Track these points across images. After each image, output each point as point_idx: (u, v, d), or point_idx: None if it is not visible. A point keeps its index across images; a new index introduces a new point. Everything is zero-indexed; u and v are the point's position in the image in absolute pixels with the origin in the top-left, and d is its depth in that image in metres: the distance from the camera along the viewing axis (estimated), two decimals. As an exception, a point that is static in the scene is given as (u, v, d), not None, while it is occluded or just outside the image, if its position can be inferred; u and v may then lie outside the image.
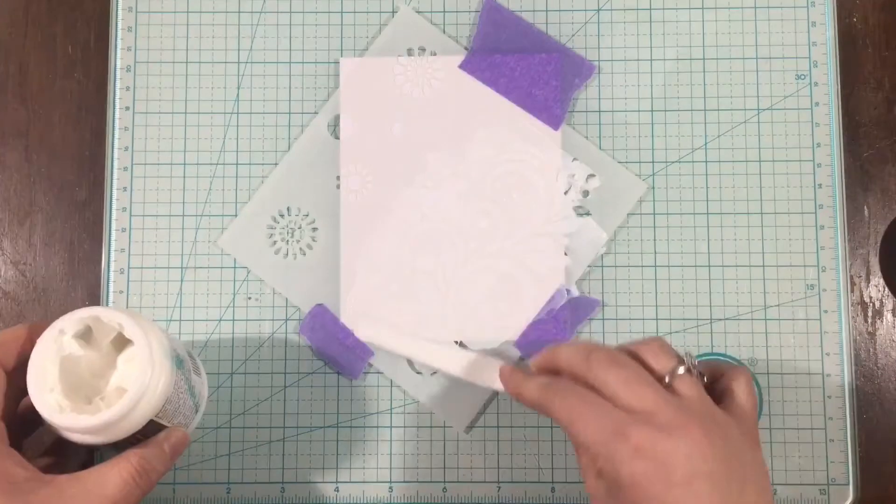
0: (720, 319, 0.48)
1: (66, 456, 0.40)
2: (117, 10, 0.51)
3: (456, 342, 0.48)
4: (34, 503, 0.34)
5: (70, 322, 0.37)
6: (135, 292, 0.49)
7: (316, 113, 0.50)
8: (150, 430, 0.38)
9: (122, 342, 0.38)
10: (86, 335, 0.38)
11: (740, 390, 0.38)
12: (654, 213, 0.49)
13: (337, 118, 0.50)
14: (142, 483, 0.36)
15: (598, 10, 0.51)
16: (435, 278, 0.48)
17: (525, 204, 0.49)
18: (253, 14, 0.51)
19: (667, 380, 0.36)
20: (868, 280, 0.49)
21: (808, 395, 0.48)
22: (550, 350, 0.39)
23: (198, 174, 0.50)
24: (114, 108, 0.50)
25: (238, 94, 0.50)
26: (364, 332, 0.48)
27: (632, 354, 0.37)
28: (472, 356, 0.46)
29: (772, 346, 0.48)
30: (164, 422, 0.38)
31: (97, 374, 0.38)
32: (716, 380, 0.38)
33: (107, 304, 0.49)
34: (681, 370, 0.36)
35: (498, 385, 0.42)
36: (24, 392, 0.36)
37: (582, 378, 0.37)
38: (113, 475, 0.35)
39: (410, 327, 0.48)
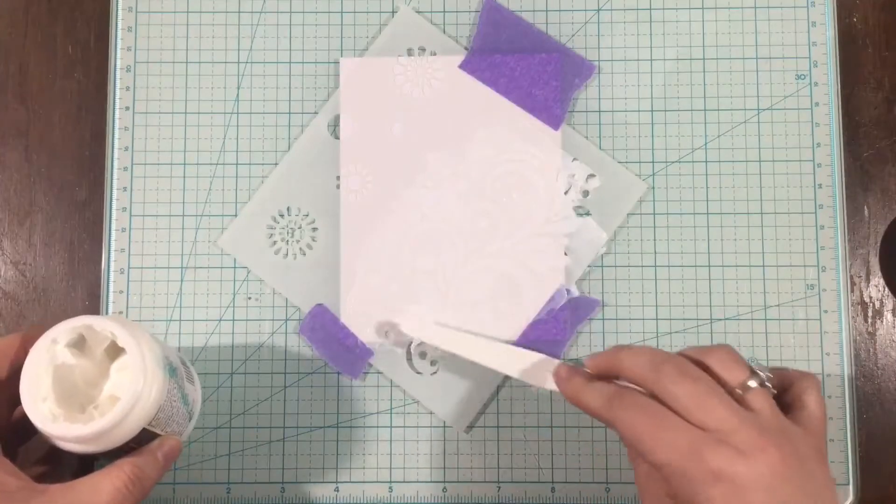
0: (720, 319, 0.48)
1: (59, 465, 0.40)
2: (117, 10, 0.51)
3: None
4: None
5: (63, 331, 0.37)
6: (135, 292, 0.49)
7: (316, 113, 0.50)
8: (144, 439, 0.38)
9: (115, 351, 0.38)
10: (79, 344, 0.38)
11: (811, 401, 0.36)
12: (654, 213, 0.49)
13: (337, 118, 0.50)
14: (135, 491, 0.36)
15: (598, 10, 0.51)
16: (435, 278, 0.48)
17: (525, 204, 0.49)
18: (253, 14, 0.51)
19: (739, 393, 0.35)
20: (868, 280, 0.49)
21: (808, 395, 0.48)
22: (612, 353, 0.38)
23: (198, 174, 0.50)
24: (114, 108, 0.50)
25: (238, 94, 0.50)
26: (407, 325, 0.48)
27: (698, 364, 0.36)
28: (522, 353, 0.45)
29: (772, 346, 0.48)
30: (157, 430, 0.39)
31: (91, 383, 0.38)
32: (785, 389, 0.37)
33: (107, 304, 0.49)
34: (752, 383, 0.35)
35: (550, 385, 0.41)
36: (18, 401, 0.36)
37: (648, 389, 0.36)
38: (106, 484, 0.35)
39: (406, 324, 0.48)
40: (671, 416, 0.34)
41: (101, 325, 0.37)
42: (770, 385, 0.36)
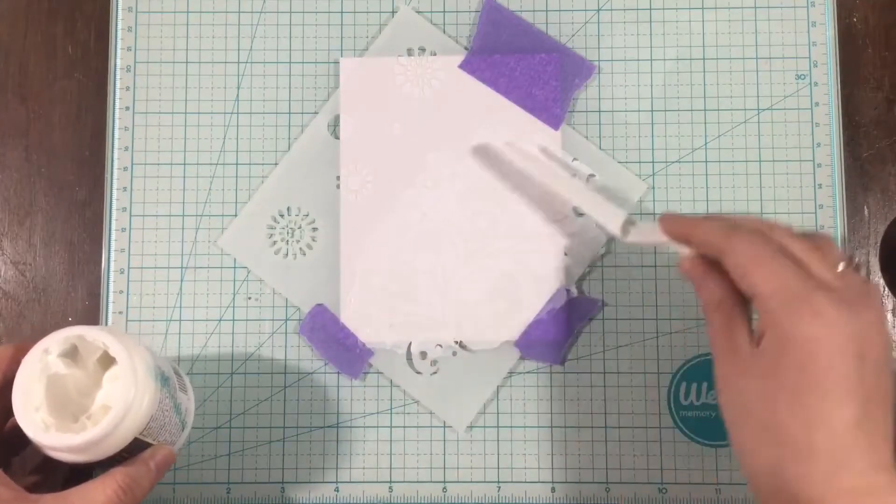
0: (720, 319, 0.48)
1: (53, 475, 0.40)
2: (117, 10, 0.51)
3: (456, 342, 0.48)
4: None
5: (55, 341, 0.37)
6: (135, 292, 0.49)
7: (316, 113, 0.50)
8: (136, 448, 0.38)
9: (108, 360, 0.38)
10: (72, 354, 0.38)
11: (877, 297, 0.38)
12: (654, 213, 0.49)
13: (337, 118, 0.50)
14: (126, 500, 0.36)
15: (598, 10, 0.51)
16: (435, 278, 0.48)
17: (525, 204, 0.49)
18: (253, 14, 0.51)
19: (840, 268, 0.36)
20: (868, 280, 0.49)
21: (808, 395, 0.47)
22: (689, 220, 0.39)
23: (198, 174, 0.50)
24: (114, 108, 0.50)
25: (238, 94, 0.50)
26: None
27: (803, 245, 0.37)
28: (610, 206, 0.45)
29: (772, 346, 0.48)
30: (149, 439, 0.39)
31: (84, 393, 0.38)
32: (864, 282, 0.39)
33: (107, 304, 0.49)
34: (842, 266, 0.36)
35: (637, 236, 0.42)
36: (11, 412, 0.36)
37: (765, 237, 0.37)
38: (98, 493, 0.35)
39: (410, 327, 0.48)
40: (788, 261, 0.35)
41: (92, 336, 0.37)
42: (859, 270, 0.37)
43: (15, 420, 0.36)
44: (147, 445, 0.39)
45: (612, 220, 0.43)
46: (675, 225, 0.40)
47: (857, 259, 0.37)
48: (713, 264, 0.37)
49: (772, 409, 0.34)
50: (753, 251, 0.35)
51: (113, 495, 0.36)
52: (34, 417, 0.36)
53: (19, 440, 0.37)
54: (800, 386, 0.33)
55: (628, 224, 0.43)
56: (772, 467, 0.34)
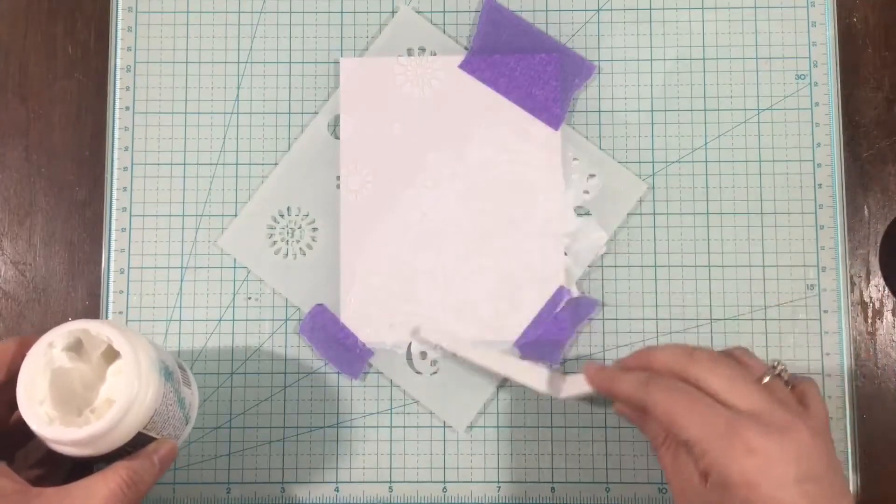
0: (720, 319, 0.48)
1: (56, 469, 0.40)
2: (117, 10, 0.51)
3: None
4: None
5: (59, 335, 0.37)
6: (135, 292, 0.49)
7: (316, 113, 0.50)
8: (140, 442, 0.38)
9: (112, 354, 0.38)
10: (76, 348, 0.38)
11: (815, 400, 0.38)
12: (654, 213, 0.49)
13: (337, 118, 0.50)
14: (130, 494, 0.36)
15: (598, 10, 0.51)
16: (435, 278, 0.48)
17: (525, 204, 0.49)
18: (253, 14, 0.51)
19: (765, 380, 0.37)
20: (868, 280, 0.49)
21: (808, 395, 0.48)
22: (642, 352, 0.40)
23: (198, 174, 0.50)
24: (114, 108, 0.50)
25: (238, 94, 0.50)
26: (427, 337, 0.48)
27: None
28: (532, 366, 0.46)
29: (772, 346, 0.48)
30: (152, 434, 0.39)
31: (88, 387, 0.38)
32: (792, 386, 0.39)
33: (107, 304, 0.49)
34: (767, 378, 0.37)
35: (565, 392, 0.43)
36: (15, 405, 0.36)
37: (682, 377, 0.37)
38: (101, 487, 0.35)
39: (410, 327, 0.48)
40: (706, 398, 0.36)
41: (97, 330, 0.37)
42: (785, 378, 0.38)
43: (19, 413, 0.36)
44: (151, 440, 0.39)
45: (539, 380, 0.45)
46: (598, 378, 0.41)
47: (778, 365, 0.38)
48: None
49: None
50: (672, 401, 0.36)
51: (116, 489, 0.36)
52: (38, 411, 0.36)
53: (23, 434, 0.37)
54: None
55: (558, 381, 0.44)
56: None
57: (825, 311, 0.48)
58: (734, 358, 0.39)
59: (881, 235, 0.49)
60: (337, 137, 0.50)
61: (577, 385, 0.43)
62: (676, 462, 0.37)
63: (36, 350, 0.37)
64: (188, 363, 0.48)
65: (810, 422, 0.36)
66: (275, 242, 0.49)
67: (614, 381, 0.40)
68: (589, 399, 0.47)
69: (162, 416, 0.39)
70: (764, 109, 0.50)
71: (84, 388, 0.38)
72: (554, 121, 0.49)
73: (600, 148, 0.50)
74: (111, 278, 0.49)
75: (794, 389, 0.39)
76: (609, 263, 0.49)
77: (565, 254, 0.49)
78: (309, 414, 0.48)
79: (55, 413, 0.36)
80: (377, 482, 0.48)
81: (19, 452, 0.40)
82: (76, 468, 0.40)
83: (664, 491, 0.47)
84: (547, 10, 0.51)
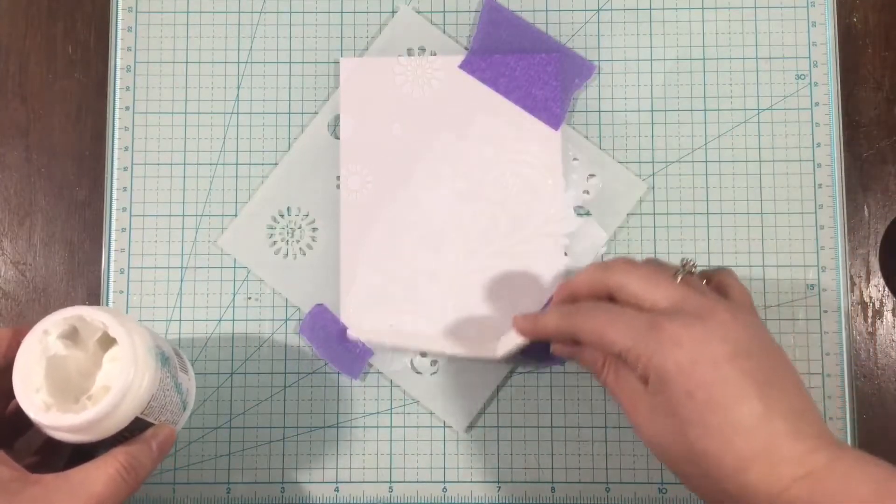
0: (720, 319, 0.48)
1: (55, 457, 0.40)
2: (117, 10, 0.51)
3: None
4: (20, 503, 0.34)
5: (54, 322, 0.37)
6: (135, 292, 0.49)
7: (316, 113, 0.50)
8: (137, 428, 0.38)
9: (108, 341, 0.38)
10: (72, 335, 0.38)
11: (733, 286, 0.40)
12: (654, 213, 0.49)
13: (337, 118, 0.50)
14: (129, 479, 0.36)
15: (598, 10, 0.51)
16: (435, 278, 0.48)
17: (525, 204, 0.49)
18: (253, 14, 0.51)
19: (678, 279, 0.38)
20: (868, 280, 0.49)
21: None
22: (563, 284, 0.41)
23: (198, 174, 0.50)
24: (114, 108, 0.50)
25: (238, 94, 0.50)
26: (365, 334, 0.48)
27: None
28: (469, 337, 0.47)
29: (772, 346, 0.48)
30: (150, 419, 0.38)
31: (84, 374, 0.38)
32: (708, 279, 0.40)
33: (107, 305, 0.49)
34: (680, 276, 0.38)
35: (501, 349, 0.44)
36: (12, 394, 0.36)
37: (604, 292, 0.39)
38: (100, 473, 0.35)
39: (410, 327, 0.48)
40: (626, 309, 0.37)
41: (91, 316, 0.37)
42: (695, 272, 0.39)
43: (16, 402, 0.36)
44: (149, 425, 0.39)
45: (477, 349, 0.46)
46: (525, 325, 0.42)
47: (688, 261, 0.39)
48: None
49: (689, 444, 0.35)
50: (595, 321, 0.37)
51: (115, 474, 0.36)
52: (35, 398, 0.36)
53: (22, 422, 0.37)
54: (698, 412, 0.34)
55: (494, 344, 0.45)
56: (714, 491, 0.35)
57: (825, 311, 0.48)
58: (649, 261, 0.40)
59: (881, 235, 0.49)
60: (337, 137, 0.50)
61: (510, 340, 0.44)
62: (618, 379, 0.38)
63: (31, 338, 0.37)
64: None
65: (729, 304, 0.37)
66: (275, 242, 0.49)
67: (539, 321, 0.41)
68: (526, 353, 0.46)
69: (159, 401, 0.39)
70: (764, 109, 0.50)
71: (80, 376, 0.38)
72: (554, 121, 0.49)
73: (600, 148, 0.50)
74: (111, 278, 0.49)
75: (709, 282, 0.40)
76: (609, 263, 0.49)
77: (565, 254, 0.49)
78: (309, 414, 0.48)
79: (52, 400, 0.36)
80: (377, 482, 0.48)
81: (19, 441, 0.40)
82: (76, 456, 0.40)
83: (664, 491, 0.47)
84: (547, 10, 0.51)
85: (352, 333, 0.48)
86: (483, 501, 0.47)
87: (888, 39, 0.51)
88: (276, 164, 0.50)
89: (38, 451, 0.40)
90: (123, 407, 0.36)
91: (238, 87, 0.50)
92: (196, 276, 0.49)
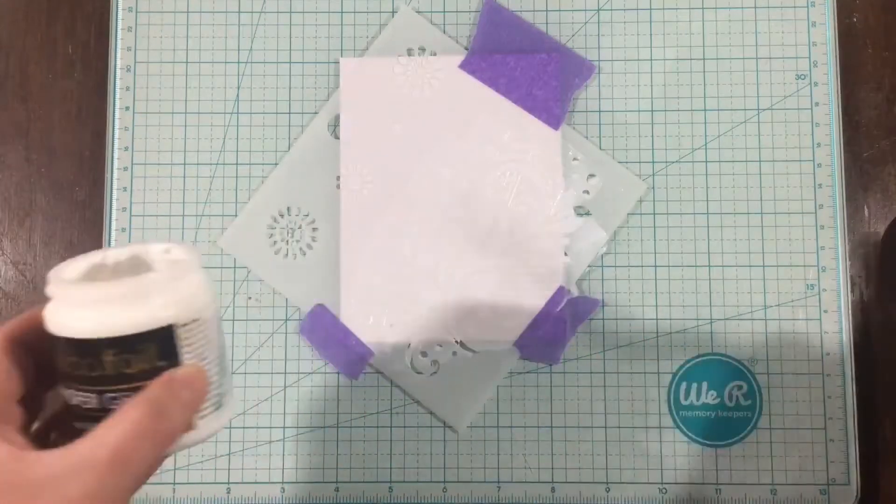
0: (720, 319, 0.48)
1: (78, 434, 0.34)
2: (117, 10, 0.51)
3: (456, 341, 0.48)
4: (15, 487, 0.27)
5: (113, 252, 0.31)
6: (135, 292, 0.49)
7: (316, 113, 0.50)
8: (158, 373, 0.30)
9: None
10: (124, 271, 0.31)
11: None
12: (654, 213, 0.49)
13: (337, 118, 0.50)
14: (153, 433, 0.28)
15: (598, 10, 0.51)
16: (435, 278, 0.48)
17: (525, 204, 0.49)
18: (253, 14, 0.51)
19: None
20: (868, 280, 0.49)
21: (808, 395, 0.48)
22: None
23: (198, 174, 0.50)
24: (114, 108, 0.50)
25: (238, 94, 0.50)
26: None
27: None
28: None
29: (772, 346, 0.48)
30: (187, 353, 0.29)
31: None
32: None
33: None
34: None
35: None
36: (29, 378, 0.31)
37: None
38: (109, 435, 0.28)
39: (410, 327, 0.48)
40: None
41: (157, 247, 0.31)
42: None
43: (35, 392, 0.30)
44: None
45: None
46: None
47: None
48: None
49: None
50: None
51: (130, 429, 0.27)
52: (64, 275, 0.30)
53: (38, 407, 0.31)
54: None
55: None
56: None
57: (825, 311, 0.48)
58: None
59: (881, 235, 0.49)
60: (337, 137, 0.50)
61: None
62: None
63: (81, 256, 0.31)
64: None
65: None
66: (275, 242, 0.49)
67: None
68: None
69: (203, 335, 0.30)
70: (764, 109, 0.50)
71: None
72: (554, 121, 0.49)
73: (600, 148, 0.50)
74: (111, 278, 0.49)
75: None
76: (609, 263, 0.49)
77: (565, 254, 0.49)
78: (309, 414, 0.48)
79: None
80: (377, 482, 0.48)
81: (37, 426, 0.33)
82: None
83: (664, 491, 0.47)
84: (547, 10, 0.51)
85: (352, 333, 0.48)
86: (483, 501, 0.47)
87: (888, 39, 0.51)
88: (276, 164, 0.50)
89: (62, 434, 0.32)
90: (164, 298, 0.29)
91: (238, 87, 0.50)
92: (196, 276, 0.49)
